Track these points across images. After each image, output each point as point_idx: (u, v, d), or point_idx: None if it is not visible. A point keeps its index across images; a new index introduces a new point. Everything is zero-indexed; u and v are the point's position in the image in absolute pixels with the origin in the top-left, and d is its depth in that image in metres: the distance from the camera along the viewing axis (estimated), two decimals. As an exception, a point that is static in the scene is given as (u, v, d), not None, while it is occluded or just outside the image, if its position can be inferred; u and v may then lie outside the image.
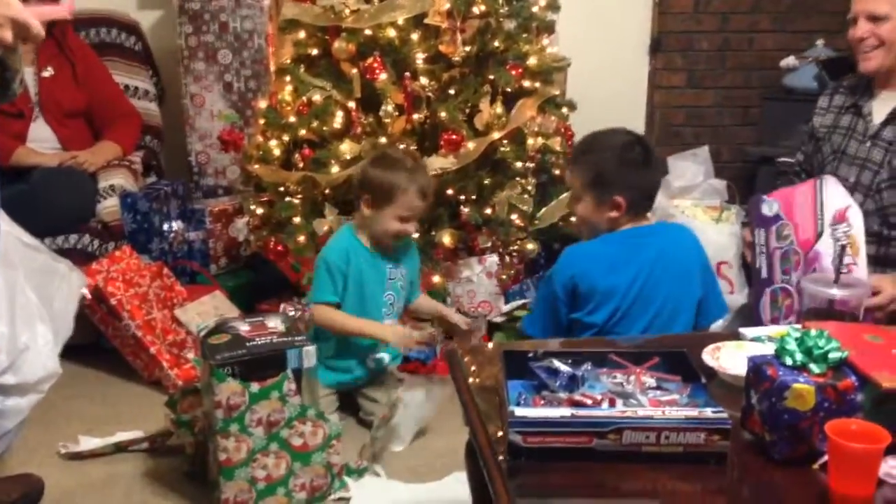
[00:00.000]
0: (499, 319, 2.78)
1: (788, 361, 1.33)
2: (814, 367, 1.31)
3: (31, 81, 3.13)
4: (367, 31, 2.88)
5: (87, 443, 2.41)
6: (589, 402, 1.40)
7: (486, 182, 2.93)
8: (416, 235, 2.64)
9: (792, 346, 1.34)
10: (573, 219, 2.30)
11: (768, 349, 1.61)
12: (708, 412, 1.33)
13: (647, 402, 1.41)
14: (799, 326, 1.73)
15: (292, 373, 2.07)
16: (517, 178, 2.98)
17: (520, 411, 1.34)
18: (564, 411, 1.34)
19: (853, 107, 2.36)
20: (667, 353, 1.55)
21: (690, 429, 1.30)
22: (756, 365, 1.36)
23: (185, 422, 2.20)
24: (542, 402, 1.44)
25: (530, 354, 1.55)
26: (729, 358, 1.62)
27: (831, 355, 1.32)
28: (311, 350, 2.11)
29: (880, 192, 2.25)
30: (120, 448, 2.38)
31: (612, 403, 1.40)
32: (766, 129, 3.61)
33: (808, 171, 2.51)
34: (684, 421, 1.31)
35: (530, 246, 3.00)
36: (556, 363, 1.51)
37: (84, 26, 3.48)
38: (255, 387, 2.00)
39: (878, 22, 2.23)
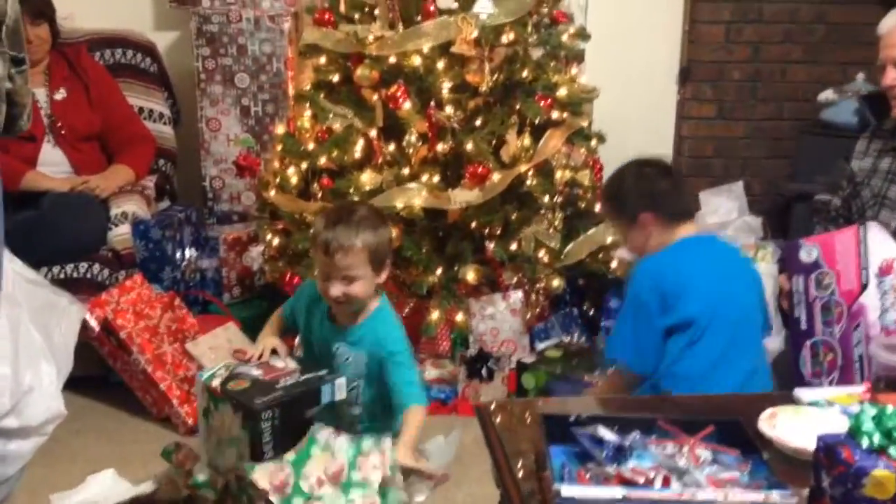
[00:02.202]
0: (528, 360, 2.66)
1: (865, 443, 1.21)
2: (894, 452, 1.19)
3: (43, 103, 3.05)
4: (391, 59, 2.79)
5: (63, 502, 2.21)
6: (641, 479, 1.28)
7: (511, 216, 2.82)
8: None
9: (869, 425, 1.21)
10: (626, 255, 2.30)
11: (831, 417, 1.51)
12: (775, 496, 1.21)
13: (704, 479, 1.30)
14: (862, 391, 1.62)
15: (326, 408, 1.97)
16: (544, 213, 2.88)
17: (567, 490, 1.23)
18: (615, 491, 1.23)
19: (893, 150, 2.29)
20: (721, 421, 1.44)
21: (756, 515, 1.18)
22: (828, 445, 1.23)
23: (205, 482, 2.06)
24: (589, 476, 1.32)
25: (572, 419, 1.44)
26: (787, 426, 1.50)
27: (913, 437, 1.20)
28: (342, 382, 2.00)
29: None
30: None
31: (666, 482, 1.28)
32: (801, 165, 3.50)
33: (845, 217, 2.42)
34: (750, 506, 1.19)
35: (556, 282, 2.89)
36: (602, 431, 1.40)
37: (99, 47, 3.40)
38: (290, 456, 1.88)
39: None
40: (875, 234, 2.01)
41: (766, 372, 2.17)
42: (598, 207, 3.03)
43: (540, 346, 2.82)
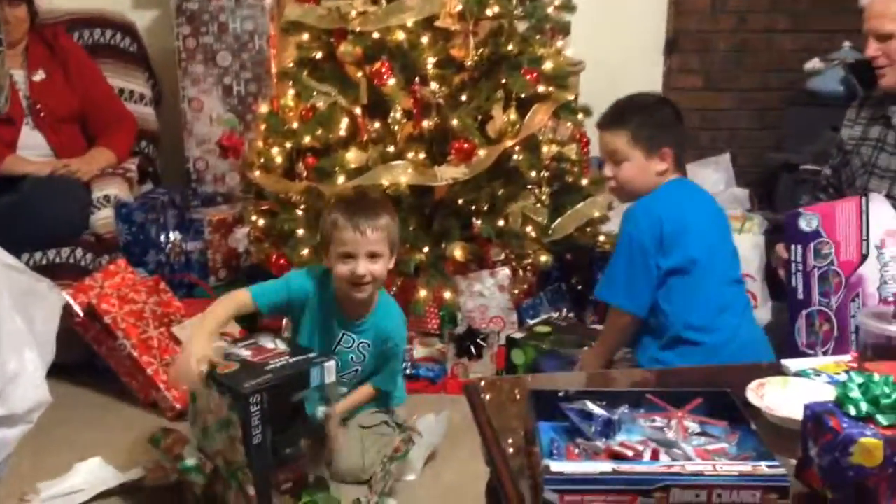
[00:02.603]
0: (517, 335, 2.65)
1: (852, 412, 1.20)
2: (881, 419, 1.19)
3: (21, 85, 3.00)
4: (375, 34, 2.75)
5: (50, 491, 2.18)
6: (630, 453, 1.28)
7: (498, 192, 2.80)
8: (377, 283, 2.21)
9: (856, 393, 1.21)
10: (611, 184, 2.21)
11: (818, 387, 1.50)
12: (763, 467, 1.20)
13: (692, 451, 1.29)
14: (848, 360, 1.62)
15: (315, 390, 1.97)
16: (531, 188, 2.85)
17: (555, 466, 1.21)
18: (604, 466, 1.22)
19: (882, 118, 2.29)
20: (709, 392, 1.43)
21: (745, 486, 1.17)
22: (815, 414, 1.23)
23: (194, 467, 2.05)
24: (577, 451, 1.31)
25: (561, 394, 1.43)
26: (775, 396, 1.50)
27: (901, 405, 1.19)
28: (331, 365, 2.00)
29: None
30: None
31: (655, 456, 1.27)
32: (788, 135, 3.49)
33: (835, 186, 2.42)
34: (738, 478, 1.18)
35: (544, 258, 2.87)
36: (590, 406, 1.39)
37: (77, 27, 3.34)
38: None
39: (887, 40, 2.21)
40: (878, 206, 2.01)
41: (750, 306, 2.26)
42: (584, 181, 3.02)
43: (529, 321, 2.81)
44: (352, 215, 2.10)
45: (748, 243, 2.99)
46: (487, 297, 2.82)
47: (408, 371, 2.75)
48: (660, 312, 2.12)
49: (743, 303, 2.21)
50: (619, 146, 2.16)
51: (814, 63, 3.36)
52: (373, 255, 2.10)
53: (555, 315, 2.85)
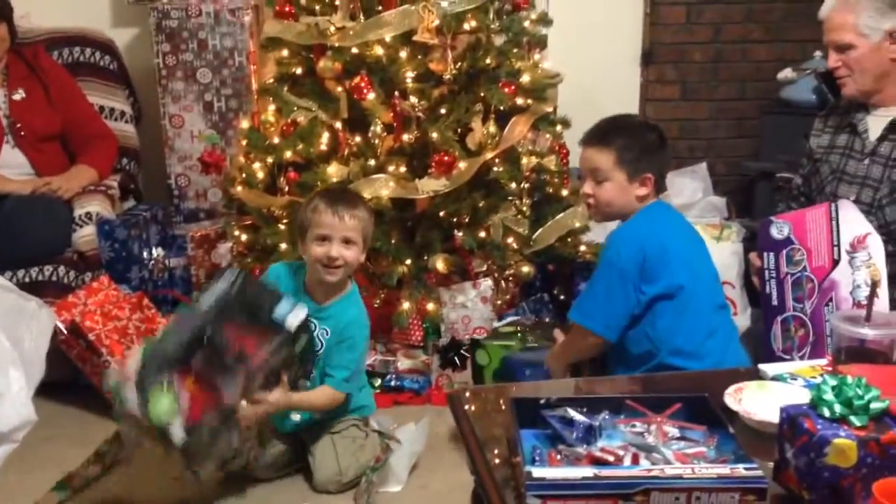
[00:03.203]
0: (480, 337, 2.66)
1: (826, 413, 1.23)
2: (854, 420, 1.22)
3: (1, 105, 3.01)
4: (354, 50, 2.77)
5: None
6: (611, 458, 1.30)
7: (479, 204, 2.82)
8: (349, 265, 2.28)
9: (829, 395, 1.24)
10: (590, 201, 2.18)
11: (795, 390, 1.53)
12: (741, 469, 1.23)
13: (671, 455, 1.31)
14: (824, 363, 1.65)
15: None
16: (511, 199, 2.88)
17: (537, 472, 1.24)
18: (586, 471, 1.24)
19: (849, 126, 2.34)
20: (688, 397, 1.45)
21: (723, 489, 1.20)
22: (790, 416, 1.26)
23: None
24: (559, 457, 1.33)
25: (542, 401, 1.45)
26: (752, 400, 1.53)
27: (872, 406, 1.23)
28: (302, 310, 2.07)
29: (882, 209, 2.22)
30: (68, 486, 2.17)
31: (635, 460, 1.30)
32: (763, 144, 3.54)
33: (806, 194, 2.46)
34: (716, 480, 1.21)
35: (526, 269, 2.90)
36: (571, 412, 1.41)
37: (57, 45, 3.35)
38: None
39: (846, 51, 2.26)
40: (847, 212, 2.05)
41: (736, 332, 2.26)
42: (565, 192, 3.05)
43: (496, 324, 2.81)
44: (332, 201, 2.24)
45: (727, 251, 3.04)
46: (470, 308, 2.84)
47: (392, 383, 2.76)
48: (644, 340, 2.10)
49: (728, 329, 2.20)
50: (602, 165, 2.14)
51: (787, 73, 3.41)
52: (347, 241, 2.22)
53: (523, 318, 2.85)
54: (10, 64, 3.07)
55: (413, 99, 2.77)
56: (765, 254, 2.08)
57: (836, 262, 1.97)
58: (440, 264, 2.77)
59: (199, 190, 3.45)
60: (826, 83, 3.07)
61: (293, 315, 2.05)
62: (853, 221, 1.99)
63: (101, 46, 3.43)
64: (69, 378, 2.73)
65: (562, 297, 3.08)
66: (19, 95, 3.06)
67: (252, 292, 2.05)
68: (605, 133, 2.18)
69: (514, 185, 2.87)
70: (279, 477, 2.37)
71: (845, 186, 2.29)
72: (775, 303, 2.06)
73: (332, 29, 2.77)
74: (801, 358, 1.96)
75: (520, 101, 2.88)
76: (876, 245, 1.96)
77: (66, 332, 2.59)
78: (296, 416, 2.32)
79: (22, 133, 3.03)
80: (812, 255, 2.02)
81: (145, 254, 3.04)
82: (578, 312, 2.18)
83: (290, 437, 2.35)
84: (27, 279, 2.78)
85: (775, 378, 1.61)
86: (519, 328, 2.78)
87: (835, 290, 1.95)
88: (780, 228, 2.06)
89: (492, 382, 2.61)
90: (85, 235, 2.92)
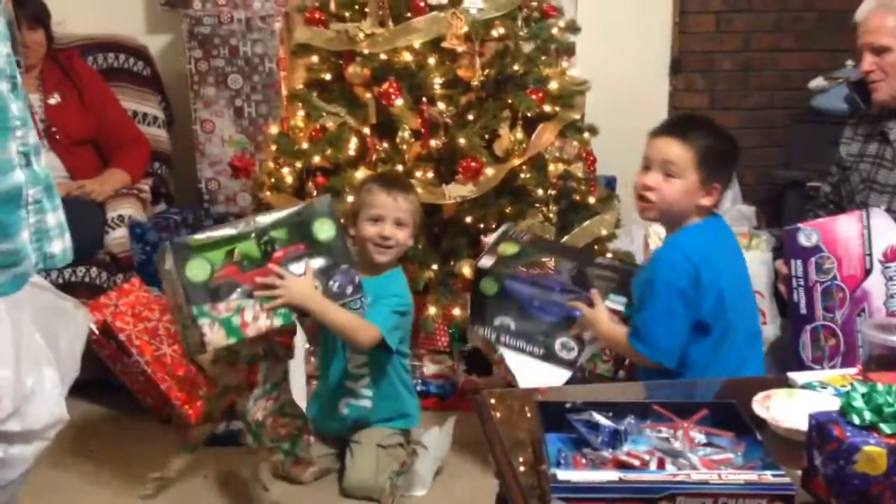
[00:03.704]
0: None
1: (856, 420, 1.22)
2: (885, 427, 1.20)
3: (37, 109, 3.07)
4: (383, 56, 2.79)
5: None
6: (636, 462, 1.29)
7: (506, 210, 2.83)
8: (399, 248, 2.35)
9: (859, 402, 1.23)
10: (647, 193, 1.98)
11: (825, 399, 1.52)
12: (769, 476, 1.22)
13: (698, 461, 1.31)
14: (854, 372, 1.63)
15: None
16: (538, 206, 2.88)
17: (563, 475, 1.24)
18: (611, 475, 1.24)
19: (880, 134, 2.31)
20: (715, 404, 1.45)
21: (750, 495, 1.19)
22: (820, 423, 1.25)
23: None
24: (585, 461, 1.33)
25: (567, 405, 1.45)
26: (781, 408, 1.52)
27: (903, 413, 1.21)
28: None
29: None
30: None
31: (661, 465, 1.29)
32: (794, 152, 3.51)
33: (835, 203, 2.44)
34: (743, 486, 1.20)
35: (552, 275, 2.89)
36: (597, 416, 1.41)
37: (92, 51, 3.41)
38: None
39: (882, 54, 2.22)
40: (879, 220, 2.02)
41: (763, 361, 2.16)
42: (592, 199, 3.04)
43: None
44: (386, 183, 2.33)
45: (756, 260, 3.02)
46: (496, 313, 2.84)
47: (418, 388, 2.77)
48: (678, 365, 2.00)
49: (759, 360, 2.09)
50: (677, 160, 1.95)
51: (818, 81, 3.39)
52: (399, 223, 2.29)
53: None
54: (45, 69, 3.13)
55: (441, 105, 2.78)
56: (792, 261, 2.06)
57: (867, 272, 1.94)
58: (466, 270, 2.77)
59: (229, 194, 3.50)
60: (857, 92, 3.05)
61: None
62: (886, 230, 1.97)
63: (135, 52, 3.49)
64: (100, 377, 2.77)
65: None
66: (55, 100, 3.11)
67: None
68: (689, 128, 2.01)
69: (540, 191, 2.87)
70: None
71: (876, 196, 2.27)
72: (804, 311, 2.04)
73: (362, 35, 2.79)
74: (833, 368, 1.94)
75: (547, 108, 2.89)
76: (911, 254, 1.94)
77: (97, 332, 2.63)
78: (344, 410, 2.34)
79: (57, 137, 3.09)
80: (842, 263, 1.99)
81: (175, 257, 3.07)
82: (642, 343, 2.01)
83: (338, 442, 2.38)
84: (60, 280, 2.83)
85: (805, 386, 1.59)
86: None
87: (867, 301, 1.93)
88: (808, 236, 2.04)
89: (492, 318, 2.31)
90: (117, 238, 2.97)
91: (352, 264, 2.16)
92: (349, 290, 2.13)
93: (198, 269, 1.99)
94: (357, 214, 2.33)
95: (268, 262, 2.05)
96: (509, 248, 2.38)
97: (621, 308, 2.16)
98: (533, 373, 2.25)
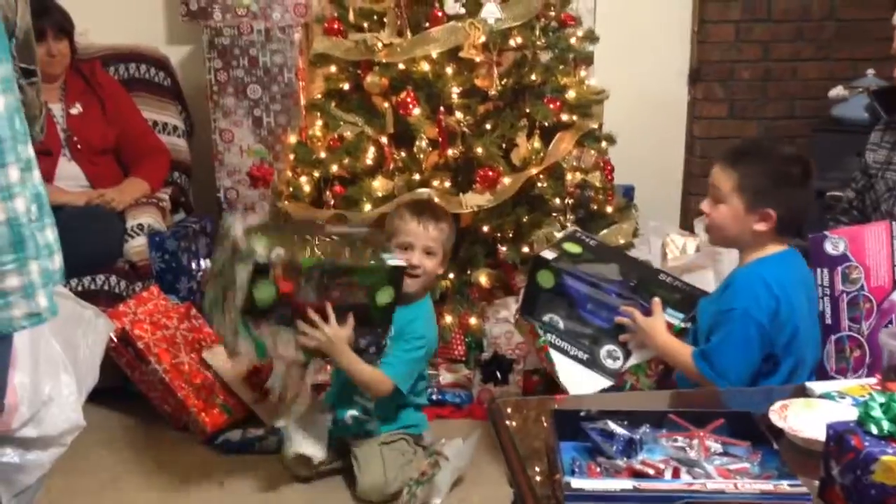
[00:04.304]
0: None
1: (874, 430, 1.21)
2: (903, 437, 1.19)
3: (59, 118, 3.10)
4: (401, 66, 2.80)
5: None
6: (651, 471, 1.28)
7: (523, 219, 2.83)
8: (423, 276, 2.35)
9: (877, 412, 1.22)
10: (705, 220, 2.04)
11: (843, 409, 1.50)
12: (785, 486, 1.21)
13: (714, 470, 1.29)
14: (874, 382, 1.61)
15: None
16: (555, 215, 2.88)
17: (576, 483, 1.23)
18: (625, 483, 1.23)
19: None
20: (731, 413, 1.43)
21: (766, 505, 1.18)
22: (837, 433, 1.24)
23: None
24: (599, 470, 1.32)
25: (582, 413, 1.45)
26: (798, 417, 1.50)
27: (922, 423, 1.20)
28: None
29: None
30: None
31: (676, 474, 1.28)
32: (814, 162, 3.47)
33: (860, 209, 2.41)
34: (759, 496, 1.19)
35: (569, 285, 2.88)
36: (612, 425, 1.40)
37: (113, 62, 3.44)
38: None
39: None
40: None
41: None
42: (609, 209, 3.03)
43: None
44: (418, 211, 2.32)
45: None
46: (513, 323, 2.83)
47: (434, 397, 2.76)
48: None
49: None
50: (721, 185, 1.97)
51: (838, 90, 3.36)
52: (428, 251, 2.28)
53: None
54: (68, 79, 3.17)
55: (458, 114, 2.79)
56: (818, 270, 2.03)
57: (896, 283, 1.92)
58: (483, 279, 2.78)
59: (248, 203, 3.51)
60: (879, 101, 3.02)
61: (393, 258, 2.16)
62: (917, 240, 1.94)
63: (156, 63, 3.52)
64: (118, 385, 2.78)
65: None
66: (76, 110, 3.14)
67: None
68: (737, 154, 2.01)
69: (558, 201, 2.86)
70: (319, 476, 2.40)
71: None
72: (829, 321, 2.01)
73: (380, 45, 2.81)
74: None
75: (565, 117, 2.89)
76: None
77: (115, 339, 2.64)
78: (349, 420, 2.35)
79: (78, 146, 3.12)
80: (870, 273, 1.96)
81: (194, 265, 3.09)
82: (713, 369, 1.95)
83: (334, 439, 2.39)
84: (80, 288, 2.85)
85: (823, 396, 1.57)
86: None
87: (895, 313, 1.90)
88: (835, 244, 2.01)
89: (542, 313, 2.29)
90: (136, 246, 2.99)
91: (386, 330, 2.20)
92: (372, 349, 2.22)
93: (265, 292, 2.05)
94: (389, 240, 2.32)
95: (324, 297, 2.09)
96: (573, 248, 2.35)
97: (676, 322, 2.11)
98: (573, 374, 2.22)
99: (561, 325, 2.26)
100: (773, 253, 1.97)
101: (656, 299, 2.13)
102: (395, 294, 2.16)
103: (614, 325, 2.19)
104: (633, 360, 2.19)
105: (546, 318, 2.27)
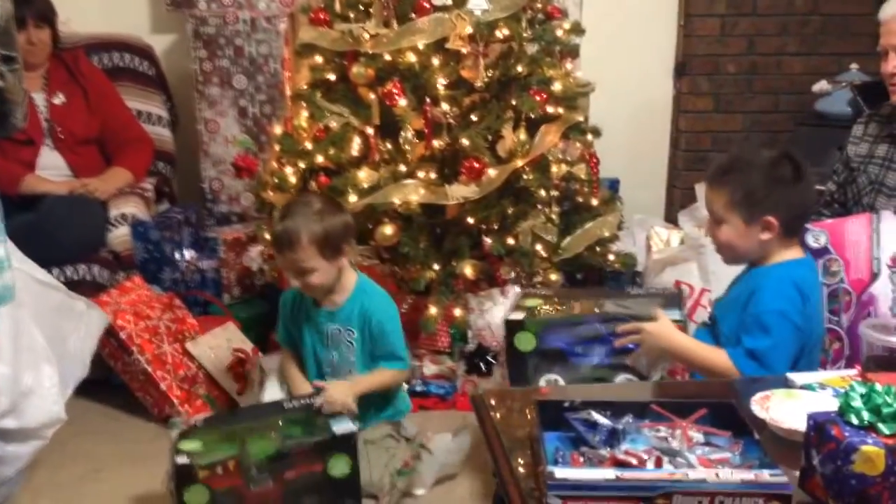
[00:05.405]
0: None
1: (854, 420, 1.22)
2: (883, 428, 1.20)
3: (42, 108, 3.07)
4: (387, 57, 2.79)
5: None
6: (634, 461, 1.29)
7: (508, 211, 2.83)
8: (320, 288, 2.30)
9: (858, 403, 1.23)
10: (713, 241, 1.98)
11: (824, 399, 1.51)
12: (766, 475, 1.22)
13: (696, 460, 1.31)
14: (854, 373, 1.62)
15: None
16: (541, 207, 2.88)
17: (559, 472, 1.23)
18: (608, 473, 1.24)
19: (889, 136, 2.29)
20: (713, 403, 1.44)
21: (747, 494, 1.19)
22: (818, 423, 1.25)
23: None
24: (582, 459, 1.33)
25: (566, 404, 1.45)
26: (780, 408, 1.51)
27: (902, 413, 1.21)
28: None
29: None
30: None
31: (658, 463, 1.29)
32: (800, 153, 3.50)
33: (841, 202, 2.42)
34: (740, 485, 1.20)
35: (554, 276, 2.89)
36: (595, 415, 1.41)
37: (97, 51, 3.42)
38: None
39: None
40: (889, 224, 1.99)
41: None
42: (594, 201, 3.04)
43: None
44: (277, 247, 2.28)
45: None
46: (497, 314, 2.84)
47: (418, 388, 2.77)
48: None
49: None
50: (716, 206, 1.94)
51: (822, 85, 3.38)
52: (302, 272, 2.24)
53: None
54: (51, 68, 3.14)
55: (444, 106, 2.78)
56: None
57: (875, 276, 1.92)
58: (468, 270, 2.78)
59: (232, 194, 3.50)
60: (862, 96, 3.04)
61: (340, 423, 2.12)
62: (895, 234, 1.95)
63: (140, 52, 3.50)
64: (101, 376, 2.76)
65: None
66: (59, 100, 3.12)
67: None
68: (721, 171, 1.96)
69: (543, 192, 2.86)
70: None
71: (884, 199, 2.25)
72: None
73: (366, 36, 2.79)
74: (837, 371, 1.93)
75: (551, 109, 2.88)
76: (918, 259, 1.92)
77: (98, 330, 2.63)
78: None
79: (61, 136, 3.09)
80: (850, 266, 1.97)
81: (178, 255, 3.08)
82: (766, 371, 1.86)
83: None
84: (62, 278, 2.82)
85: (804, 387, 1.59)
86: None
87: (874, 305, 1.91)
88: (816, 237, 2.02)
89: (538, 378, 2.18)
90: (120, 236, 2.98)
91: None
92: None
93: (197, 495, 2.02)
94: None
95: (279, 480, 2.05)
96: (532, 301, 2.26)
97: (678, 317, 2.03)
98: None
99: (561, 381, 2.14)
100: (793, 258, 1.92)
101: (655, 308, 2.05)
102: (351, 462, 2.10)
103: (610, 355, 2.10)
104: (654, 378, 2.07)
105: (543, 381, 2.14)
